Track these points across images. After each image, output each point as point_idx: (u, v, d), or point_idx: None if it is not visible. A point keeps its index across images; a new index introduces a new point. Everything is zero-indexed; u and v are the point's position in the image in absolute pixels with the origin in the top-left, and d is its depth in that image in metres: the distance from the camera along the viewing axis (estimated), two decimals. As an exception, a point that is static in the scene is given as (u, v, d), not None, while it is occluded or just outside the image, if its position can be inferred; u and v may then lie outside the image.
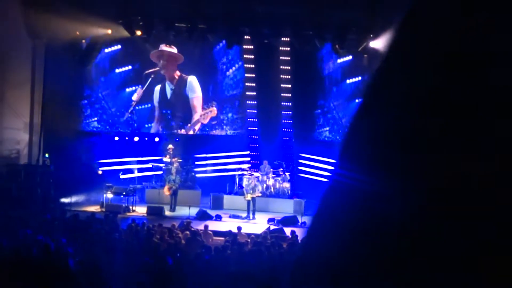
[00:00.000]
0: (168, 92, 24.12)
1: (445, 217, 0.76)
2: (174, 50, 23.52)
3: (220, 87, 24.12)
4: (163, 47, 23.31)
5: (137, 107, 24.20)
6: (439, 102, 0.80)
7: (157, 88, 24.06)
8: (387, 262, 0.80)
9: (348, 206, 0.86)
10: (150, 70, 23.65)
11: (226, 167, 23.16)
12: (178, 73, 23.94)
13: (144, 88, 23.93)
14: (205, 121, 24.08)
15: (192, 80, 24.05)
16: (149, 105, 24.28)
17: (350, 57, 22.95)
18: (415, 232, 0.78)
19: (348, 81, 23.32)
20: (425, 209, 0.78)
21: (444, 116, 0.79)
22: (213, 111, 23.90)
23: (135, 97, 24.08)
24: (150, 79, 23.75)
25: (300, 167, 23.14)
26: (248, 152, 23.87)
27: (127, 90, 24.17)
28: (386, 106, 0.86)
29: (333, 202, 0.91)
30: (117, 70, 23.95)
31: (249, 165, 22.73)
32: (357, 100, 22.69)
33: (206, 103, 24.04)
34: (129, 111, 24.09)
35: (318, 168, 22.84)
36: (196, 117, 24.07)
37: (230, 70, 23.95)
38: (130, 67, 23.99)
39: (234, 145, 23.60)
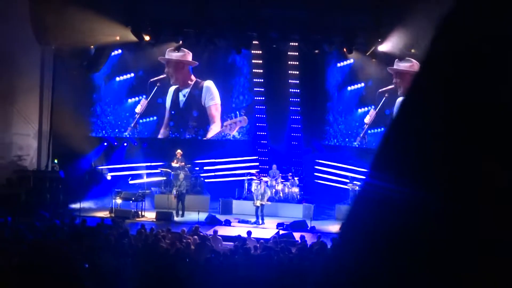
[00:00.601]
0: (181, 100, 23.02)
1: (473, 224, 0.75)
2: (185, 54, 22.53)
3: (230, 92, 23.80)
4: (171, 52, 22.48)
5: (140, 120, 23.06)
6: (473, 112, 0.79)
7: (171, 89, 22.80)
8: (417, 270, 0.79)
9: (379, 214, 0.85)
10: (156, 78, 22.63)
11: (235, 172, 23.09)
12: (193, 77, 22.93)
13: (148, 99, 22.72)
14: (233, 132, 23.38)
15: (210, 86, 23.01)
16: (155, 117, 23.10)
17: (354, 61, 22.86)
18: (442, 238, 0.77)
19: (357, 85, 23.25)
20: (452, 216, 0.77)
21: (475, 125, 0.78)
22: (244, 120, 23.32)
23: (138, 109, 22.80)
24: (156, 88, 22.66)
25: (313, 173, 23.13)
26: (256, 157, 23.84)
27: (130, 100, 22.90)
28: (420, 119, 0.85)
29: (364, 210, 0.90)
30: (117, 78, 22.76)
31: (258, 170, 22.69)
32: (365, 109, 22.73)
33: (224, 110, 23.45)
34: (132, 124, 22.95)
35: (327, 172, 22.82)
36: (215, 127, 23.24)
37: (239, 75, 23.77)
38: (132, 74, 22.82)
39: (243, 149, 23.54)
